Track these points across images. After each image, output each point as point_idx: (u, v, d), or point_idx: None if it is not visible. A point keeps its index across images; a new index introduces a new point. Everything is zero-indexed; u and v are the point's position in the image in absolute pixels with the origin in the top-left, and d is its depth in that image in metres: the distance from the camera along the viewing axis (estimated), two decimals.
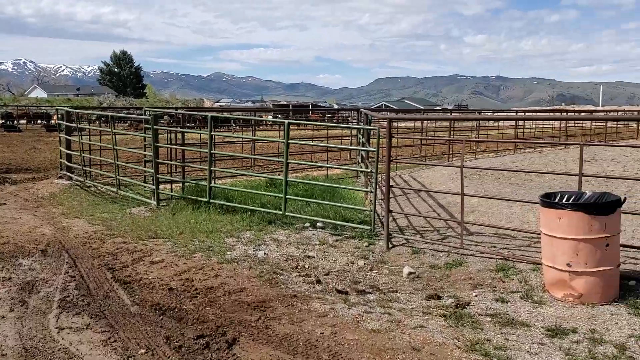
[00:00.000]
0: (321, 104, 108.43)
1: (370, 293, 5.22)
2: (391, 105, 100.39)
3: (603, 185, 9.84)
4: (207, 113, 9.40)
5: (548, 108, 61.09)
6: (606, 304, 4.63)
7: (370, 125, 9.97)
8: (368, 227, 7.26)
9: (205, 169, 8.86)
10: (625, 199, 4.69)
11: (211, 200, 8.65)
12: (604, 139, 22.80)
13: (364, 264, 6.20)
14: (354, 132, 13.48)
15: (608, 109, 49.36)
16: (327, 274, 5.83)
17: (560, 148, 18.10)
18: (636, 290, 4.85)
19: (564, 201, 5.00)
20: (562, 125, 22.00)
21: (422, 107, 67.32)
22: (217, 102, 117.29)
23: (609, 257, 4.68)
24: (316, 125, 17.07)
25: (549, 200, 4.87)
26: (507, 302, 4.82)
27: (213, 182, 9.26)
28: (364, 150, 9.27)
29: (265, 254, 6.53)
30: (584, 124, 24.70)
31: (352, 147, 11.65)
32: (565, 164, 14.21)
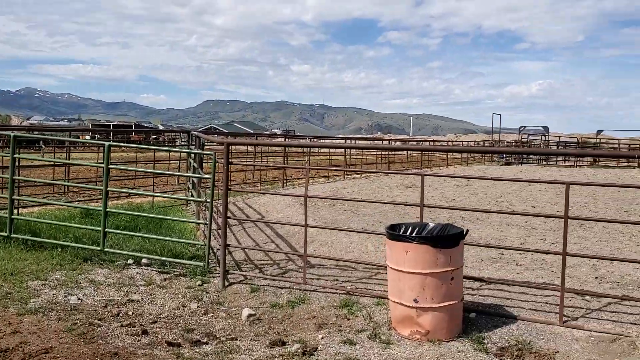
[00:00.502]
0: (145, 124, 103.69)
1: (206, 343, 4.57)
2: (220, 128, 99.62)
3: (426, 212, 10.26)
4: (8, 132, 7.97)
5: (369, 136, 65.08)
6: (452, 340, 4.52)
7: (203, 149, 9.31)
8: (201, 263, 6.58)
9: (6, 197, 7.48)
10: (467, 231, 4.67)
11: (12, 235, 7.29)
12: (419, 166, 24.53)
13: (198, 306, 5.53)
14: (183, 155, 12.66)
15: (420, 138, 54.14)
16: (155, 322, 5.05)
17: (384, 175, 18.97)
18: (477, 323, 4.83)
19: (408, 233, 4.87)
20: (383, 154, 23.22)
21: (252, 131, 67.57)
22: (28, 119, 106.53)
23: (454, 291, 4.60)
24: (141, 148, 15.82)
25: (396, 233, 4.68)
26: (355, 344, 4.49)
27: (15, 212, 7.86)
28: (196, 176, 8.57)
29: (79, 299, 5.52)
30: (402, 152, 26.39)
31: (184, 174, 10.81)
32: (390, 190, 14.81)
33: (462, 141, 48.90)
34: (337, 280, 6.11)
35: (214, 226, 7.53)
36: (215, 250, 7.04)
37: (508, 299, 5.30)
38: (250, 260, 7.11)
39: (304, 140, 21.88)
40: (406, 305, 4.59)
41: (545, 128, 37.62)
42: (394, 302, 4.72)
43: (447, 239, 4.52)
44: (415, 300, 4.53)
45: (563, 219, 4.78)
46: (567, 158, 34.48)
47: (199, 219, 8.65)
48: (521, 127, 37.48)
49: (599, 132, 41.64)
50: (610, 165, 33.52)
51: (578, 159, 33.82)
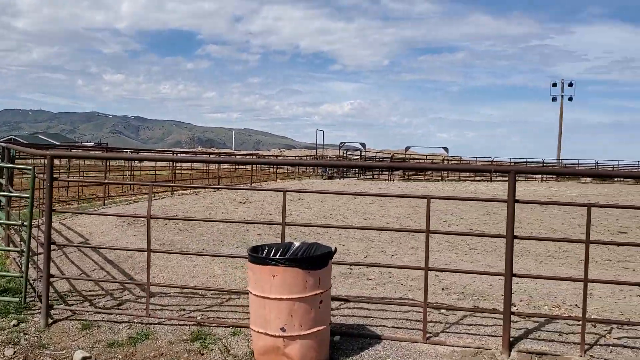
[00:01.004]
0: None
1: None
2: (21, 140, 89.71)
3: (266, 230, 9.98)
4: None
5: (193, 149, 63.40)
6: None
7: (13, 162, 7.93)
8: (16, 299, 5.47)
9: None
10: (336, 249, 4.40)
11: None
12: (249, 181, 24.26)
13: (14, 352, 4.54)
14: None
15: (245, 152, 54.12)
16: None
17: (214, 190, 18.33)
18: (343, 347, 4.59)
19: (272, 255, 4.48)
20: (211, 168, 22.52)
21: (59, 143, 61.91)
22: None
23: (323, 316, 4.29)
24: None
25: (261, 256, 4.26)
26: None
27: None
28: (6, 195, 7.23)
29: None
30: (229, 166, 25.89)
31: None
32: (225, 206, 14.28)
33: (288, 155, 49.99)
34: (184, 310, 5.47)
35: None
36: (32, 282, 5.94)
37: (370, 317, 5.15)
38: (77, 292, 6.11)
39: (167, 154, 20.32)
40: (272, 335, 4.18)
41: (363, 144, 39.97)
42: (258, 332, 4.27)
43: (316, 260, 4.21)
44: (283, 329, 4.13)
45: (425, 233, 4.76)
46: (380, 172, 36.89)
47: (8, 245, 7.31)
48: (341, 143, 39.35)
49: (407, 148, 45.47)
50: (417, 179, 36.62)
51: (391, 172, 36.37)
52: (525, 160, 42.26)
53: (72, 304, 5.70)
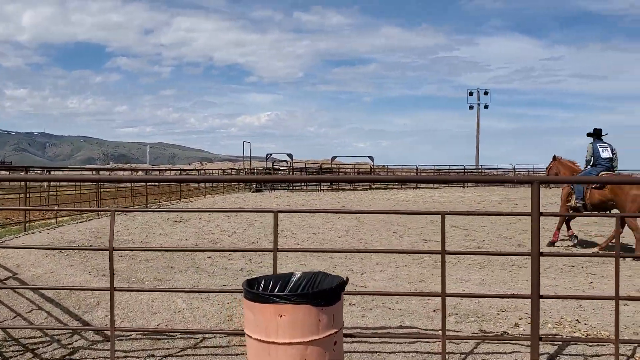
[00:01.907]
0: None
1: None
2: None
3: (216, 254, 9.19)
4: None
5: (106, 166, 60.33)
6: None
7: None
8: None
9: None
10: (347, 279, 3.80)
11: None
12: (177, 198, 23.04)
13: None
14: None
15: (163, 167, 52.15)
16: None
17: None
18: None
19: (270, 289, 3.83)
20: (138, 186, 21.20)
21: None
22: None
23: (336, 359, 3.69)
24: None
25: (263, 293, 3.58)
26: None
27: None
28: None
29: None
30: (155, 184, 24.54)
31: None
32: (161, 226, 13.24)
33: (212, 169, 48.55)
34: (153, 356, 4.66)
35: None
36: None
37: (374, 352, 4.57)
38: (14, 340, 5.12)
39: (132, 176, 18.64)
40: None
41: (290, 155, 39.46)
42: None
43: (330, 294, 3.59)
44: None
45: (440, 254, 4.26)
46: (307, 183, 36.48)
47: None
48: (268, 154, 38.63)
49: (333, 158, 45.45)
50: (346, 189, 36.51)
51: (321, 183, 36.06)
52: (447, 167, 43.36)
53: (10, 356, 4.74)
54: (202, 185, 27.09)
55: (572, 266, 8.79)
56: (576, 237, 11.57)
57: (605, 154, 11.03)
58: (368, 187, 36.32)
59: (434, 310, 5.74)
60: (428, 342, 4.55)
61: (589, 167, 11.23)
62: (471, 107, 50.50)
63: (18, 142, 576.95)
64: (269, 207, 19.34)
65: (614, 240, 8.97)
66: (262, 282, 3.87)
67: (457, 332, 4.93)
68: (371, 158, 42.00)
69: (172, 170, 40.31)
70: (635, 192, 9.91)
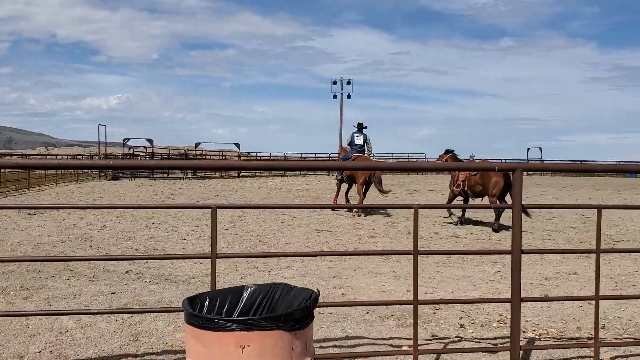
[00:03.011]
0: None
1: None
2: None
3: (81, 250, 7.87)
4: None
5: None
6: None
7: None
8: None
9: None
10: (318, 291, 3.03)
11: None
12: (25, 186, 20.35)
13: None
14: None
15: (2, 151, 46.43)
16: None
17: None
18: None
19: (216, 309, 2.97)
20: None
21: None
22: None
23: None
24: None
25: (217, 318, 2.69)
26: None
27: None
28: None
29: None
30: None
31: None
32: (13, 219, 11.32)
33: (60, 155, 44.22)
34: None
35: None
36: None
37: None
38: None
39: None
40: None
41: (150, 140, 36.98)
42: None
43: (302, 315, 2.81)
44: None
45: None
46: (170, 172, 34.51)
47: None
48: (125, 139, 35.85)
49: (197, 144, 43.51)
50: (213, 177, 35.15)
51: (185, 172, 34.30)
52: (314, 155, 43.61)
53: None
54: (50, 172, 24.31)
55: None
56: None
57: (359, 141, 15.36)
58: (236, 174, 35.30)
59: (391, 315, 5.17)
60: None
61: (349, 150, 15.38)
62: (335, 97, 51.30)
63: None
64: (149, 202, 17.74)
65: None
66: (207, 300, 2.99)
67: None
68: (237, 145, 40.88)
69: (14, 155, 35.89)
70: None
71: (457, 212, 12.68)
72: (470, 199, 12.99)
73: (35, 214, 12.19)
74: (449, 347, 4.22)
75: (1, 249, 8.26)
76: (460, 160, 13.51)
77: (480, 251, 6.00)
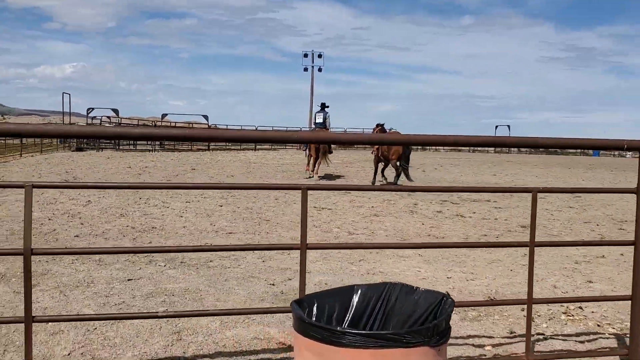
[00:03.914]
0: None
1: None
2: None
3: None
4: None
5: None
6: None
7: None
8: None
9: None
10: (449, 295, 2.53)
11: None
12: None
13: None
14: None
15: None
16: None
17: None
18: None
19: (327, 315, 2.44)
20: None
21: None
22: None
23: None
24: None
25: (349, 331, 2.15)
26: None
27: None
28: None
29: None
30: None
31: None
32: None
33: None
34: None
35: None
36: None
37: None
38: None
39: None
40: None
41: (115, 110, 35.48)
42: None
43: (445, 326, 2.30)
44: None
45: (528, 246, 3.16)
46: (136, 143, 33.27)
47: None
48: (89, 108, 34.27)
49: (163, 115, 42.12)
50: (182, 149, 34.09)
51: (150, 143, 33.12)
52: (285, 128, 42.70)
53: None
54: (13, 143, 22.97)
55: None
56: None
57: (319, 120, 17.89)
58: (206, 147, 34.34)
59: None
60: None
61: (313, 126, 18.74)
62: (305, 69, 50.43)
63: None
64: (124, 175, 16.93)
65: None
66: (315, 304, 2.45)
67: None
68: (206, 117, 39.72)
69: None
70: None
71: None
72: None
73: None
74: (540, 346, 3.79)
75: None
76: (386, 131, 16.51)
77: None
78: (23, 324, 2.72)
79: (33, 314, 2.76)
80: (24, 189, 2.73)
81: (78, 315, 4.02)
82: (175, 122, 43.75)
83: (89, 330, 3.80)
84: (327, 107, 18.14)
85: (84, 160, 21.30)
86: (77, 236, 7.21)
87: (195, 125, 42.29)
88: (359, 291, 2.58)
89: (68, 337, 3.71)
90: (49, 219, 8.21)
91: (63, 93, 32.54)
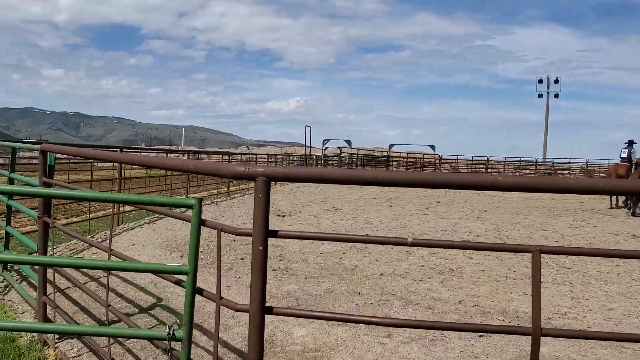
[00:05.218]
0: None
1: None
2: None
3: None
4: None
5: (155, 148, 59.00)
6: None
7: (52, 175, 4.82)
8: None
9: None
10: None
11: None
12: (186, 192, 21.17)
13: None
14: None
15: (225, 151, 50.53)
16: None
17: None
18: None
19: None
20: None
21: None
22: None
23: None
24: None
25: None
26: None
27: None
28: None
29: None
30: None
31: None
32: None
33: (257, 154, 46.76)
34: None
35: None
36: None
37: None
38: None
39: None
40: None
41: (348, 142, 37.34)
42: None
43: None
44: None
45: None
46: None
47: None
48: (325, 140, 36.64)
49: (391, 146, 43.04)
50: None
51: None
52: (518, 159, 40.65)
53: None
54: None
55: None
56: None
57: (624, 155, 18.33)
58: None
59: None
60: None
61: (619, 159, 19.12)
62: (540, 96, 47.64)
63: (53, 122, 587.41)
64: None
65: None
66: None
67: None
68: (433, 147, 39.54)
69: (233, 153, 38.46)
70: None
71: None
72: None
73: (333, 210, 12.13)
74: None
75: None
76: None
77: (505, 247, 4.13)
78: None
79: None
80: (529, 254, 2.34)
81: None
82: (400, 152, 44.30)
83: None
84: (635, 143, 18.50)
85: (327, 187, 22.51)
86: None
87: (421, 155, 42.39)
88: None
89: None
90: None
91: (306, 126, 35.31)
